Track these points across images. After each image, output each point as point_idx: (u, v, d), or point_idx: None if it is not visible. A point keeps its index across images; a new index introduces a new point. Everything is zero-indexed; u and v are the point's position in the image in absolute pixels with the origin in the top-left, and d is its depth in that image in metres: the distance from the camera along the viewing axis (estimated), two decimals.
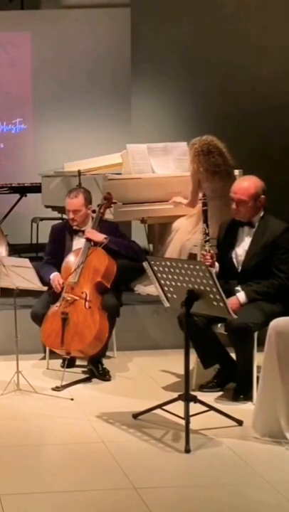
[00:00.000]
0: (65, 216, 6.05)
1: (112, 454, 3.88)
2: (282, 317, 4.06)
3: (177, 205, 6.26)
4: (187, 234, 6.11)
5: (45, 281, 5.10)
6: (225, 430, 4.13)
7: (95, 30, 9.56)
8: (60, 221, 6.19)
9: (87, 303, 5.02)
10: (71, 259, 5.27)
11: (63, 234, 5.49)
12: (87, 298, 5.03)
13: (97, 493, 3.48)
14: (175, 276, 4.03)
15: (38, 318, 5.20)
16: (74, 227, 5.40)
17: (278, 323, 3.99)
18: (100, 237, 5.25)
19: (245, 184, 4.68)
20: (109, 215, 5.98)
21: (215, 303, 3.97)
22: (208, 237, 4.66)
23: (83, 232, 5.36)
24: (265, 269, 4.61)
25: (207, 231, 4.67)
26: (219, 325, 4.62)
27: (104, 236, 5.25)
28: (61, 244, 5.46)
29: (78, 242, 5.37)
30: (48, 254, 5.57)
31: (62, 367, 5.16)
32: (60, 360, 5.29)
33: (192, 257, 5.87)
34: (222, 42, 7.96)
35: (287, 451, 3.85)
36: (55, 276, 5.27)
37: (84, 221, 5.40)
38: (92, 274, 5.13)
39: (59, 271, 5.33)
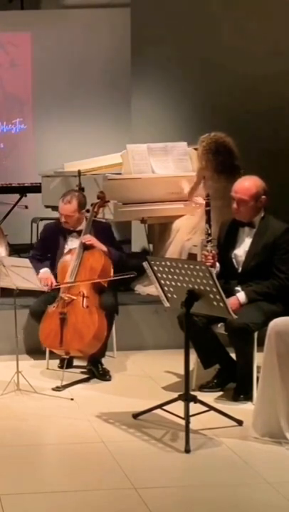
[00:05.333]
0: None
1: (112, 454, 3.88)
2: (282, 317, 4.07)
3: (190, 198, 6.25)
4: (187, 234, 6.11)
5: None
6: (225, 430, 4.13)
7: (95, 30, 9.56)
8: (53, 220, 6.18)
9: (85, 302, 5.02)
10: (67, 259, 5.27)
11: (56, 234, 5.49)
12: (85, 297, 5.03)
13: (97, 493, 3.48)
14: (175, 276, 4.03)
15: (37, 314, 5.20)
16: (67, 228, 5.41)
17: (278, 323, 3.99)
18: (101, 246, 5.25)
19: (246, 184, 4.69)
20: (109, 215, 5.99)
21: (215, 303, 3.97)
22: (210, 238, 4.66)
23: (77, 232, 5.37)
24: (265, 270, 4.61)
25: (209, 231, 4.67)
26: (219, 325, 4.63)
27: (104, 247, 5.25)
28: (54, 243, 5.47)
29: (73, 243, 5.37)
30: (37, 250, 5.61)
31: (61, 367, 5.17)
32: (58, 361, 5.29)
33: (192, 257, 5.87)
34: (222, 42, 7.95)
35: (287, 451, 3.85)
36: (46, 274, 5.25)
37: (77, 222, 5.40)
38: (89, 274, 5.12)
39: (49, 267, 5.35)
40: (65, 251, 5.37)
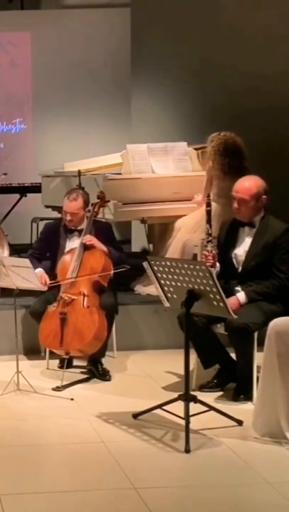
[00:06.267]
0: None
1: (112, 454, 3.88)
2: (282, 317, 4.07)
3: (200, 204, 6.22)
4: (188, 233, 6.10)
5: None
6: (225, 430, 4.13)
7: (95, 30, 9.56)
8: (54, 220, 6.18)
9: (85, 302, 5.02)
10: (67, 260, 5.27)
11: (57, 233, 5.49)
12: (85, 297, 5.03)
13: (97, 493, 3.48)
14: (175, 276, 4.03)
15: (37, 314, 5.20)
16: (69, 227, 5.41)
17: (278, 323, 3.99)
18: (101, 246, 5.25)
19: (247, 184, 4.69)
20: (109, 215, 5.99)
21: (215, 303, 3.97)
22: (210, 238, 4.66)
23: (78, 231, 5.37)
24: (265, 270, 4.61)
25: (210, 231, 4.67)
26: (219, 325, 4.63)
27: (104, 247, 5.25)
28: (54, 243, 5.47)
29: (73, 242, 5.38)
30: (36, 249, 5.60)
31: (61, 367, 5.17)
32: (58, 361, 5.30)
33: (193, 257, 5.87)
34: (222, 41, 7.95)
35: (287, 451, 3.85)
36: (39, 273, 5.25)
37: (80, 221, 5.40)
38: (90, 273, 5.12)
39: (44, 267, 5.36)
40: (66, 250, 5.38)
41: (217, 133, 6.05)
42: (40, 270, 5.29)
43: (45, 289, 5.04)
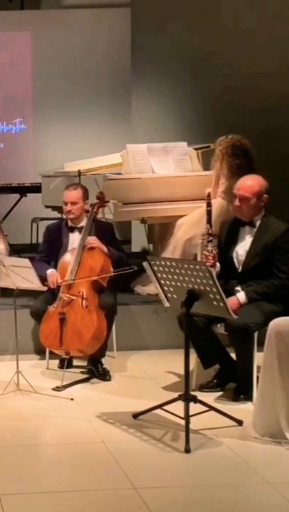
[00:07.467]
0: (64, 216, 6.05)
1: (112, 454, 3.88)
2: (282, 317, 4.07)
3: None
4: (189, 229, 6.08)
5: (41, 276, 5.04)
6: (225, 430, 4.13)
7: (95, 30, 9.57)
8: (55, 221, 6.19)
9: (84, 302, 5.02)
10: (66, 260, 5.27)
11: (59, 232, 5.49)
12: (84, 297, 5.03)
13: (97, 493, 3.48)
14: (175, 276, 4.03)
15: (38, 314, 5.20)
16: (70, 225, 5.41)
17: (278, 323, 3.99)
18: (103, 248, 5.24)
19: (249, 182, 4.69)
20: (109, 215, 5.99)
21: (215, 303, 3.97)
22: (210, 238, 4.66)
23: (79, 229, 5.37)
24: (265, 270, 4.61)
25: (210, 231, 4.67)
26: (219, 325, 4.62)
27: (106, 248, 5.26)
28: (58, 242, 5.46)
29: (74, 240, 5.37)
30: (42, 252, 5.58)
31: (61, 367, 5.17)
32: (58, 361, 5.30)
33: (194, 257, 5.87)
34: (222, 41, 7.95)
35: (287, 451, 3.85)
36: (53, 273, 5.25)
37: (80, 217, 5.40)
38: (88, 273, 5.12)
39: (54, 268, 5.35)
40: (69, 249, 5.37)
41: (225, 136, 6.06)
42: (53, 270, 5.29)
43: (44, 289, 5.04)
